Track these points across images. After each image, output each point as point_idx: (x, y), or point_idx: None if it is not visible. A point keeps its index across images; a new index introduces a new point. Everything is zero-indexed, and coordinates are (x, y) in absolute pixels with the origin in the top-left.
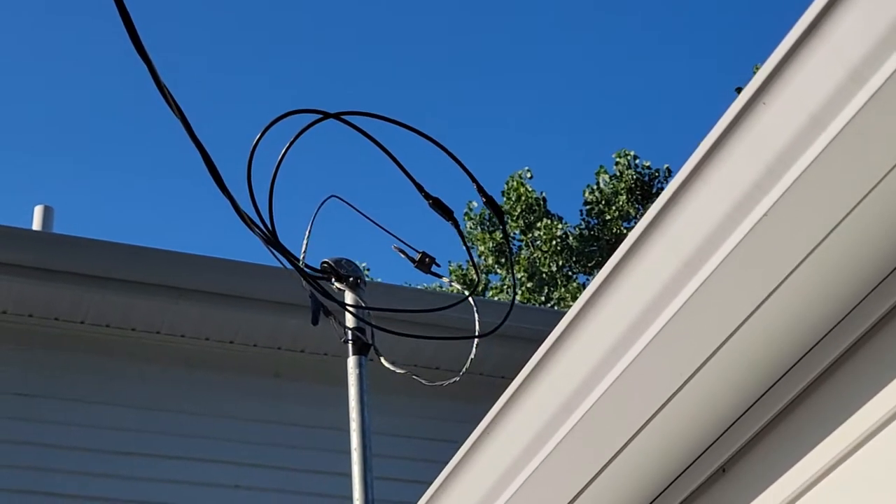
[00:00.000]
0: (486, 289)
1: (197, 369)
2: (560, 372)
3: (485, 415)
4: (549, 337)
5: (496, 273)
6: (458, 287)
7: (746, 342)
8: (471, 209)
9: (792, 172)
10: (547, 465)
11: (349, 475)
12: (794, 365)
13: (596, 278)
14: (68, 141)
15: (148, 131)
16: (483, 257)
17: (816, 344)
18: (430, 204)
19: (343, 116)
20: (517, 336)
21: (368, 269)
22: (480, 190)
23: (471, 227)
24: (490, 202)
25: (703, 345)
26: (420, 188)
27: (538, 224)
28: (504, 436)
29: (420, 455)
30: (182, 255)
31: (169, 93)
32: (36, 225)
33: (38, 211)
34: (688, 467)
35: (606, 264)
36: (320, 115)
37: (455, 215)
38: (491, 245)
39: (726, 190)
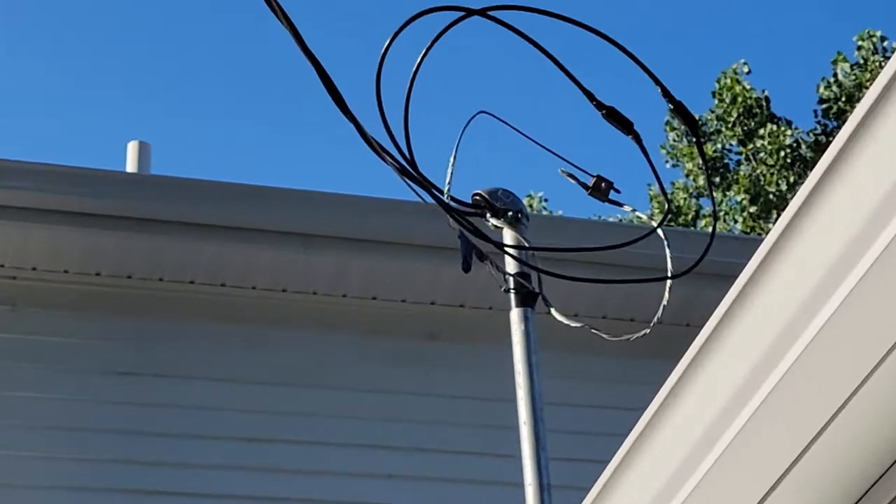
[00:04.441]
0: (696, 217)
1: (333, 333)
2: (743, 336)
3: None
4: (726, 299)
5: (706, 196)
6: (644, 216)
7: None
8: (673, 117)
9: None
10: (732, 451)
11: (517, 456)
12: None
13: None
14: (161, 80)
15: (244, 67)
16: (691, 177)
17: None
18: (603, 115)
19: (491, 13)
20: (718, 273)
21: (546, 201)
22: (665, 93)
23: (674, 140)
24: (678, 108)
25: None
26: (590, 95)
27: (760, 131)
28: (680, 418)
29: (602, 428)
30: (306, 193)
31: None
32: (130, 166)
33: (131, 148)
34: None
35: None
36: (463, 13)
37: (636, 127)
38: (700, 161)
39: None
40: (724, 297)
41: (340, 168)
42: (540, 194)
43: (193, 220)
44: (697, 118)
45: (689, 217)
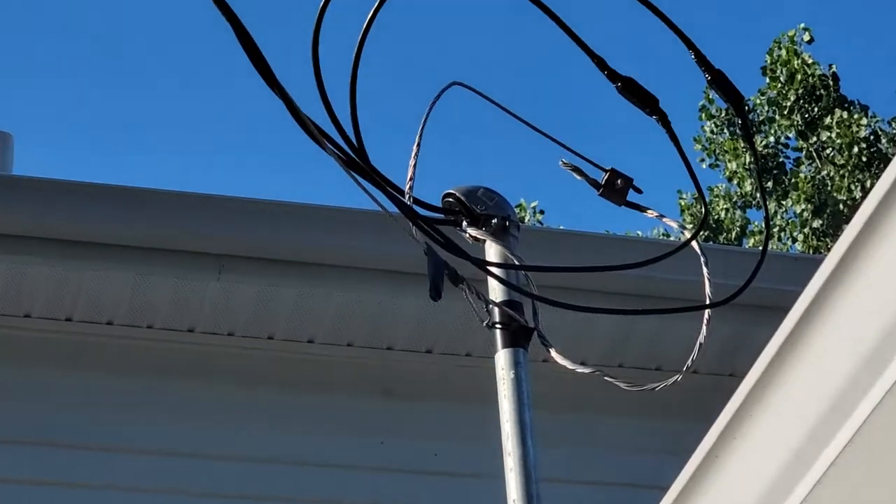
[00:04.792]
0: (742, 234)
1: (252, 389)
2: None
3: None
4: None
5: (756, 206)
6: (674, 224)
7: None
8: (711, 101)
9: None
10: None
11: None
12: None
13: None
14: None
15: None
16: (736, 181)
17: None
18: (618, 88)
19: None
20: (770, 304)
21: (541, 214)
22: (699, 58)
23: (712, 132)
24: (716, 78)
25: None
26: (601, 63)
27: (826, 120)
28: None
29: None
30: (217, 200)
31: None
32: None
33: None
34: None
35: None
36: None
37: (661, 104)
38: (748, 159)
39: None
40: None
41: (258, 176)
42: (534, 204)
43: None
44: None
45: (734, 234)
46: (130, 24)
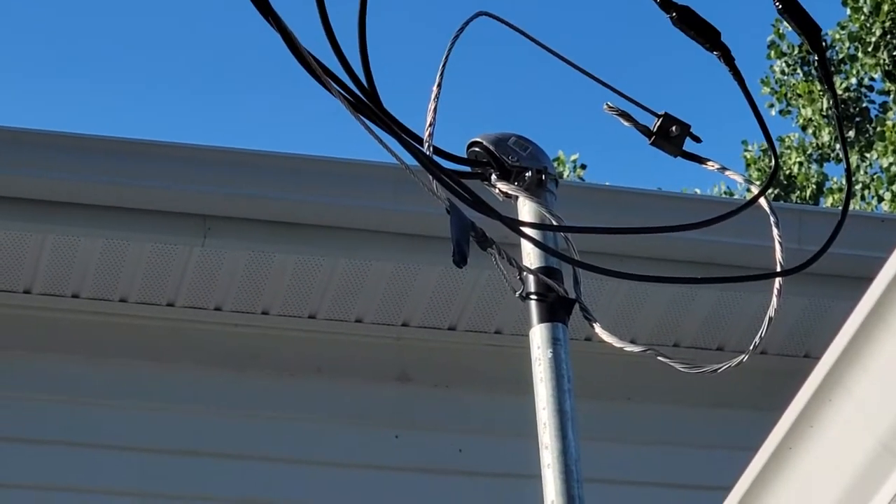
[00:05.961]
0: (818, 192)
1: (247, 372)
2: None
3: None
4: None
5: (835, 159)
6: (739, 178)
7: None
8: (781, 36)
9: None
10: None
11: None
12: None
13: None
14: None
15: None
16: (811, 131)
17: None
18: (673, 19)
19: None
20: (852, 273)
21: (583, 169)
22: None
23: (783, 72)
24: (788, 8)
25: None
26: None
27: None
28: None
29: None
30: (200, 150)
31: None
32: None
33: None
34: None
35: None
36: None
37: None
38: (826, 104)
39: None
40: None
41: (250, 122)
42: (574, 158)
43: None
44: (821, 29)
45: (808, 192)
46: None
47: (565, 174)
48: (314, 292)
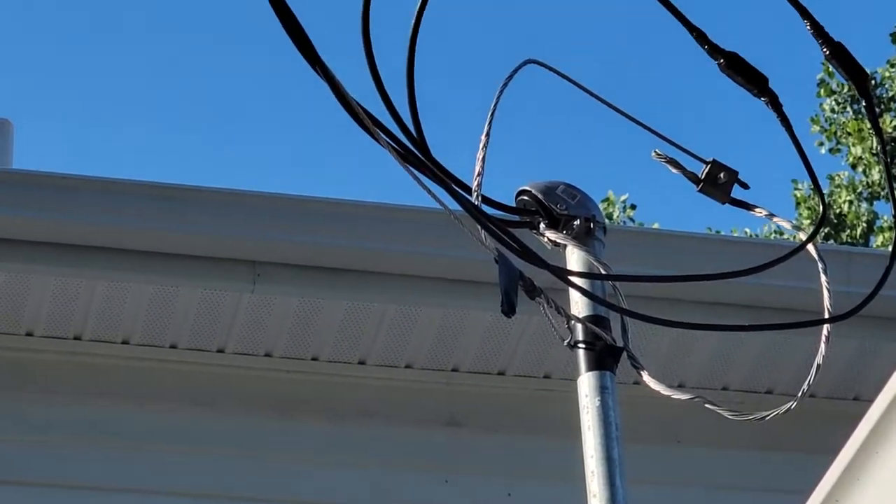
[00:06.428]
0: (869, 230)
1: (295, 419)
2: None
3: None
4: None
5: (885, 198)
6: (787, 224)
7: None
8: (831, 74)
9: None
10: None
11: None
12: None
13: None
14: None
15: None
16: (861, 168)
17: None
18: (721, 66)
19: None
20: (890, 315)
21: (632, 209)
22: (816, 30)
23: (833, 110)
24: (835, 51)
25: None
26: (700, 34)
27: None
28: None
29: None
30: (250, 196)
31: None
32: None
33: None
34: None
35: None
36: None
37: (770, 83)
38: (875, 142)
39: None
40: None
41: (300, 171)
42: (623, 198)
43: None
44: (869, 74)
45: (859, 231)
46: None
47: (615, 214)
48: (364, 338)
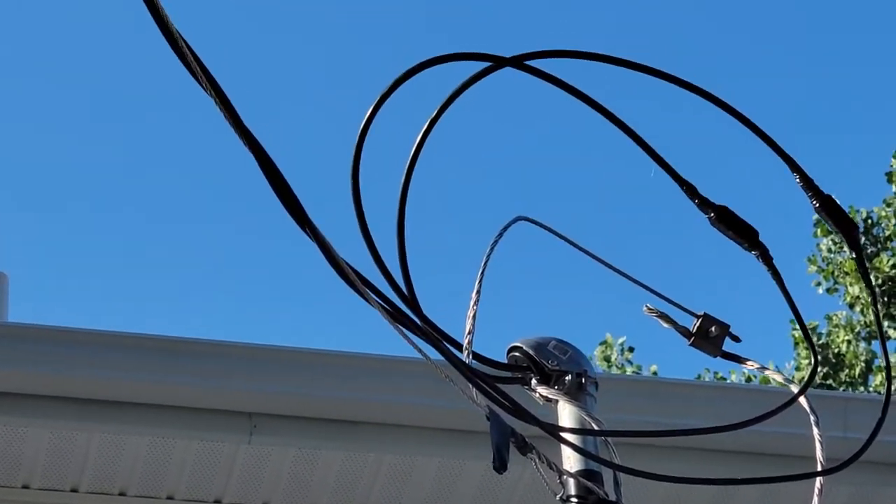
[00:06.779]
0: (867, 370)
1: None
2: None
3: None
4: None
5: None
6: (779, 377)
7: None
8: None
9: None
10: None
11: None
12: None
13: None
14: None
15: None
16: (859, 308)
17: None
18: (711, 219)
19: (527, 62)
20: (890, 461)
21: (630, 352)
22: (802, 178)
23: (830, 250)
24: (824, 204)
25: None
26: (689, 188)
27: None
28: None
29: None
30: (247, 348)
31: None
32: None
33: None
34: None
35: None
36: (490, 63)
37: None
38: (873, 281)
39: None
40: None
41: (293, 324)
42: (621, 341)
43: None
44: (862, 220)
45: (857, 370)
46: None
47: (613, 357)
48: (361, 487)
